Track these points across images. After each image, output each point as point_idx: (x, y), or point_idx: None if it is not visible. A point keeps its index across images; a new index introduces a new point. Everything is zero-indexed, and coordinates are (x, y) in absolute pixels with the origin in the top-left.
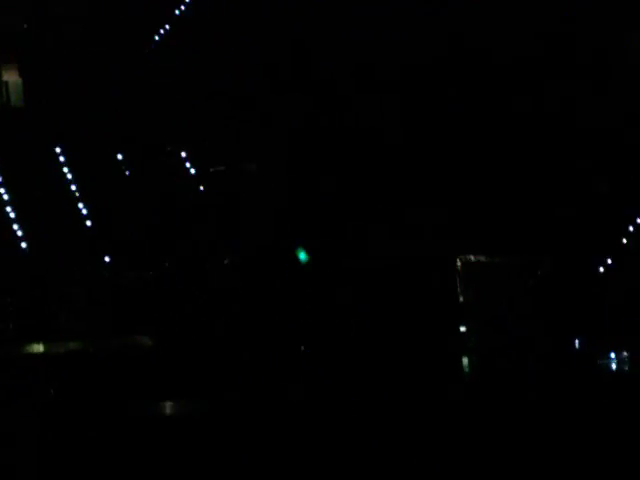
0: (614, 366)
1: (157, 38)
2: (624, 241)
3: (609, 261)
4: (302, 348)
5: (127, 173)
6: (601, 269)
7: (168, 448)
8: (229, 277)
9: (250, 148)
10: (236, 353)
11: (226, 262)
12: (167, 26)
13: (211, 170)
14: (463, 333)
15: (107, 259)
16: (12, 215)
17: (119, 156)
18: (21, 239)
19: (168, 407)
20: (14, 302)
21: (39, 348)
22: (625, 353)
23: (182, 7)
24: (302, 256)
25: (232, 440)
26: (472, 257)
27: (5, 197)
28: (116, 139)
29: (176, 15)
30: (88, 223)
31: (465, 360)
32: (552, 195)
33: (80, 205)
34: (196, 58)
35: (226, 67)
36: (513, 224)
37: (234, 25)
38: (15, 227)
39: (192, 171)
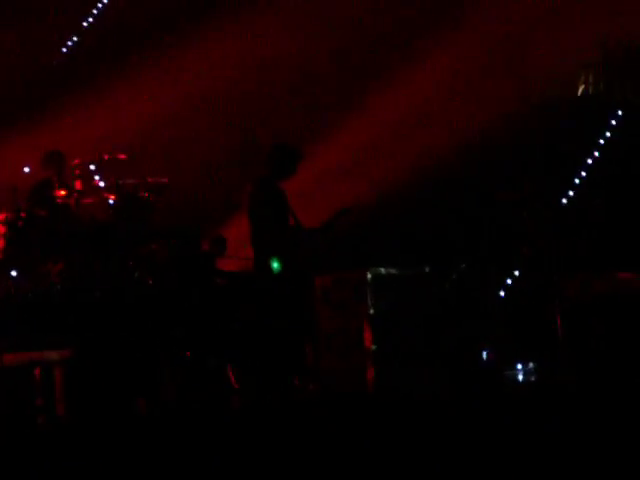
0: (520, 377)
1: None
2: (527, 252)
3: (515, 273)
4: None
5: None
6: (508, 280)
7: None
8: (139, 291)
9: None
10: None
11: (136, 276)
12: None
13: (120, 182)
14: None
15: (14, 273)
16: None
17: (26, 169)
18: None
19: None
20: None
21: None
22: (531, 364)
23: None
24: (275, 265)
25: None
26: (382, 270)
27: None
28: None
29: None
30: None
31: (374, 370)
32: (460, 208)
33: None
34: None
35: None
36: (423, 237)
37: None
38: None
39: (101, 184)
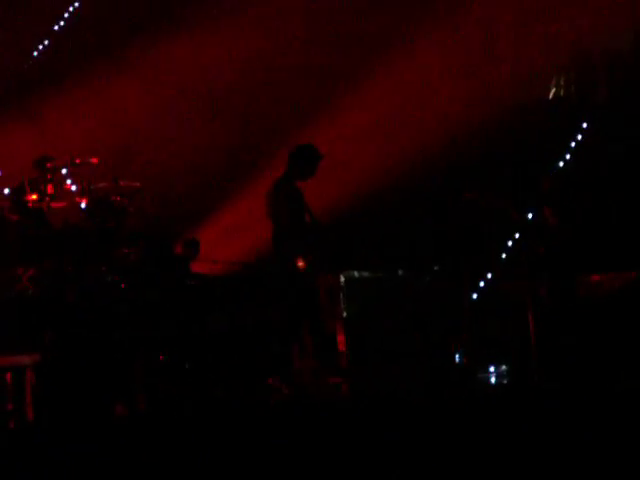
0: (493, 379)
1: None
2: (503, 256)
3: (488, 275)
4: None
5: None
6: (481, 283)
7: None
8: (112, 295)
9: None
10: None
11: (109, 279)
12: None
13: (91, 186)
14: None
15: None
16: None
17: None
18: None
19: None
20: None
21: None
22: (504, 367)
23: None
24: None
25: None
26: (355, 273)
27: None
28: None
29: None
30: None
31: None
32: (431, 211)
33: None
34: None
35: None
36: (395, 240)
37: None
38: None
39: (73, 188)
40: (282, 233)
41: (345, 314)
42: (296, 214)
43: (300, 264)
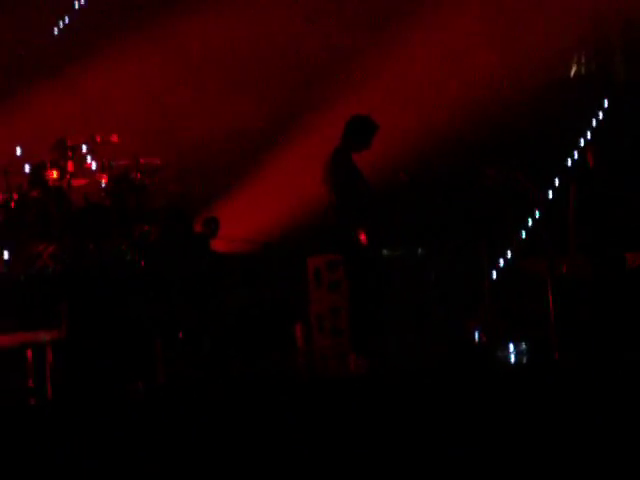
0: (512, 357)
1: None
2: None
3: (508, 253)
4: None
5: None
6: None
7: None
8: (130, 270)
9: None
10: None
11: (128, 257)
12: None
13: (112, 164)
14: None
15: (6, 255)
16: None
17: (18, 151)
18: None
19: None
20: None
21: None
22: (523, 345)
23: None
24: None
25: None
26: None
27: None
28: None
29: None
30: None
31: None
32: (451, 189)
33: None
34: None
35: None
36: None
37: None
38: None
39: (93, 165)
40: (342, 206)
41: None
42: (354, 186)
43: (362, 237)
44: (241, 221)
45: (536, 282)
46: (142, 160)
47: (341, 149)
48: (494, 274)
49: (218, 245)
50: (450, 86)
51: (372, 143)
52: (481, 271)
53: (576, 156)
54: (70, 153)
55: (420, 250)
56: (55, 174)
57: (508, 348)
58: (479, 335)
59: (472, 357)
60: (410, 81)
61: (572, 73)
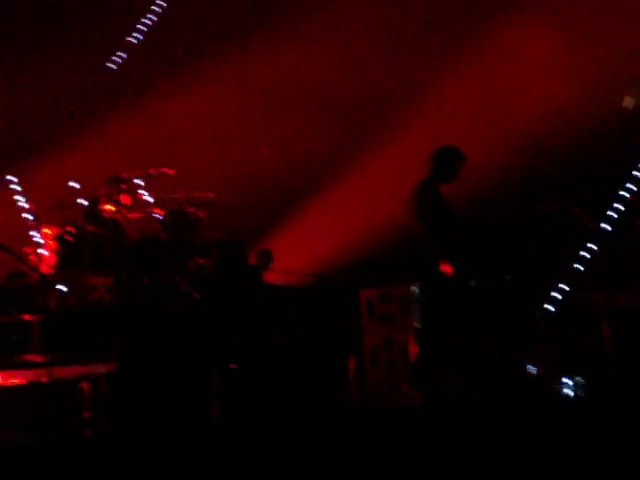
0: (568, 391)
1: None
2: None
3: (562, 286)
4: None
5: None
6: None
7: None
8: (185, 303)
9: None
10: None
11: (183, 289)
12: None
13: (166, 197)
14: None
15: (63, 288)
16: None
17: (73, 184)
18: None
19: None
20: None
21: None
22: (580, 379)
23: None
24: None
25: None
26: None
27: None
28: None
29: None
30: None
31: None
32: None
33: (33, 233)
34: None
35: None
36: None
37: None
38: None
39: (148, 199)
40: (430, 240)
41: (417, 324)
42: (443, 217)
43: (447, 269)
44: (294, 254)
45: (593, 315)
46: (196, 194)
47: (429, 180)
48: (550, 307)
49: (271, 277)
50: (511, 118)
51: (459, 174)
52: (537, 304)
53: (634, 188)
54: (124, 186)
55: (473, 281)
56: (111, 208)
57: (564, 382)
58: (535, 369)
59: (527, 390)
60: (469, 113)
61: (627, 104)
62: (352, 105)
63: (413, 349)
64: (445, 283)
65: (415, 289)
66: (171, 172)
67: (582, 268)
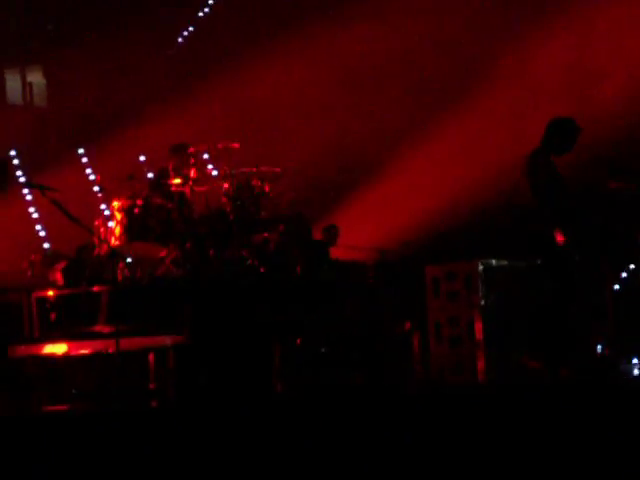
0: (636, 371)
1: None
2: None
3: (631, 265)
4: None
5: (150, 175)
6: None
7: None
8: (251, 277)
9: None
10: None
11: (248, 263)
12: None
13: (233, 172)
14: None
15: (129, 260)
16: (35, 215)
17: (141, 158)
18: (43, 239)
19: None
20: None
21: (62, 349)
22: None
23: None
24: None
25: None
26: (494, 261)
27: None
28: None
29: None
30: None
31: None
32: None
33: (103, 206)
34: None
35: None
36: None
37: None
38: (38, 227)
39: (215, 172)
40: (541, 207)
41: (482, 302)
42: (555, 188)
43: (559, 238)
44: (360, 229)
45: None
46: (263, 168)
47: (541, 151)
48: (617, 286)
49: (337, 253)
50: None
51: (574, 147)
52: (604, 284)
53: None
54: (192, 160)
55: (539, 261)
56: (178, 180)
57: (632, 362)
58: (602, 348)
59: (594, 370)
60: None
61: None
62: (432, 83)
63: (478, 327)
64: (563, 253)
65: (481, 267)
66: (236, 145)
67: None
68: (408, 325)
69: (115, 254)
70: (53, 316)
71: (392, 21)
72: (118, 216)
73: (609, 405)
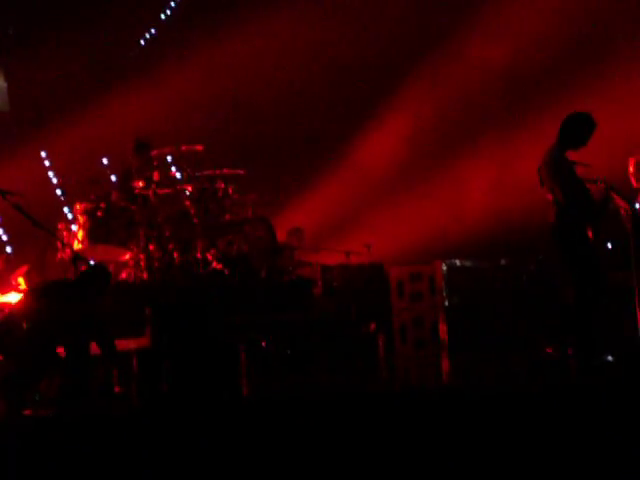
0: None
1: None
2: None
3: None
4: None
5: (113, 178)
6: None
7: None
8: (215, 280)
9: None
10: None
11: (213, 266)
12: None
13: (196, 174)
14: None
15: (92, 262)
16: None
17: (104, 160)
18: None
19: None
20: None
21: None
22: (610, 358)
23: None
24: None
25: None
26: (457, 262)
27: None
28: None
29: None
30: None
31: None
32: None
33: (65, 209)
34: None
35: None
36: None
37: None
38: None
39: (178, 175)
40: (569, 206)
41: (447, 303)
42: (580, 182)
43: (590, 234)
44: (328, 231)
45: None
46: (226, 170)
47: (555, 145)
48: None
49: (302, 255)
50: None
51: (589, 141)
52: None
53: None
54: (156, 162)
55: (503, 261)
56: (141, 183)
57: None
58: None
59: (560, 370)
60: None
61: None
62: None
63: (442, 327)
64: (585, 249)
65: (445, 267)
66: (200, 148)
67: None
68: (373, 326)
69: (78, 257)
70: None
71: None
72: (81, 219)
73: (566, 403)
